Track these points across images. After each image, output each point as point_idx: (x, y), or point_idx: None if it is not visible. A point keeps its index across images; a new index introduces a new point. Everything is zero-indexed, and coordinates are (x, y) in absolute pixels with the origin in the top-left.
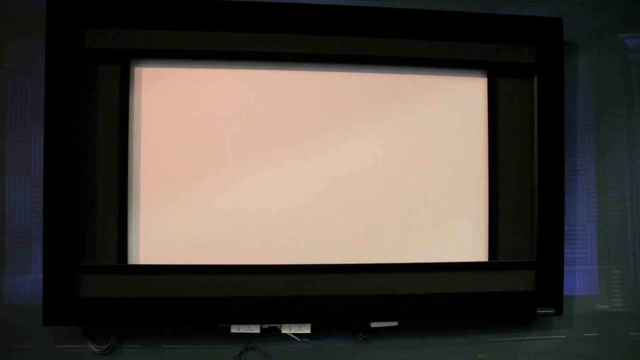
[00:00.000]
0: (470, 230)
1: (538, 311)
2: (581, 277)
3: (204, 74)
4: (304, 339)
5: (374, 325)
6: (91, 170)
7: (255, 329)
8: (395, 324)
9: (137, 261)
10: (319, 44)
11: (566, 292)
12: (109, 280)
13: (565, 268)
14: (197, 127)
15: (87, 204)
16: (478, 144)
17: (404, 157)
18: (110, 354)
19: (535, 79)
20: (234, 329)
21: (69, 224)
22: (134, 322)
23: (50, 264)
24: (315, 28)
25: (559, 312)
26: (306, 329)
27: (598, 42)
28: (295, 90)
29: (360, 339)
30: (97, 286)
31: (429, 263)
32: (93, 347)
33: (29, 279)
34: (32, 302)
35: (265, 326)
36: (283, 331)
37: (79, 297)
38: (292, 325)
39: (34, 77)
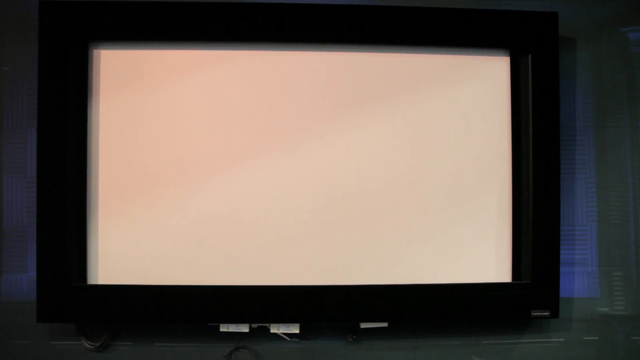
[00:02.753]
0: (492, 247)
1: (533, 313)
2: (580, 279)
3: (174, 57)
4: (293, 339)
5: (363, 326)
6: (76, 170)
7: (244, 328)
8: (385, 324)
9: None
10: (319, 20)
11: (565, 294)
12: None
13: (564, 270)
14: (164, 123)
15: (79, 203)
16: (500, 139)
17: (420, 154)
18: (103, 351)
19: (530, 78)
20: (223, 328)
21: (61, 222)
22: (126, 320)
23: (43, 262)
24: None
25: (554, 314)
26: (295, 329)
27: (598, 36)
28: (288, 75)
29: (350, 339)
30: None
31: (439, 285)
32: (87, 344)
33: (25, 277)
34: (28, 299)
35: (255, 325)
36: (272, 331)
37: (71, 296)
38: (280, 325)
39: (30, 80)
